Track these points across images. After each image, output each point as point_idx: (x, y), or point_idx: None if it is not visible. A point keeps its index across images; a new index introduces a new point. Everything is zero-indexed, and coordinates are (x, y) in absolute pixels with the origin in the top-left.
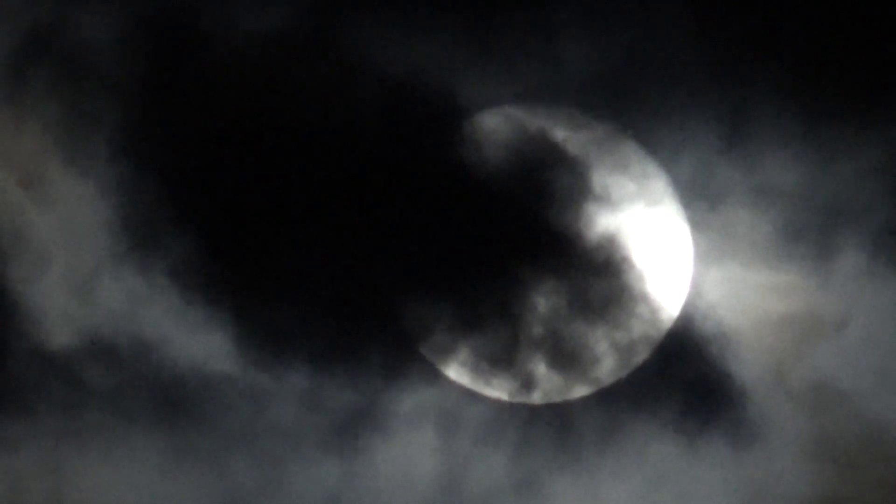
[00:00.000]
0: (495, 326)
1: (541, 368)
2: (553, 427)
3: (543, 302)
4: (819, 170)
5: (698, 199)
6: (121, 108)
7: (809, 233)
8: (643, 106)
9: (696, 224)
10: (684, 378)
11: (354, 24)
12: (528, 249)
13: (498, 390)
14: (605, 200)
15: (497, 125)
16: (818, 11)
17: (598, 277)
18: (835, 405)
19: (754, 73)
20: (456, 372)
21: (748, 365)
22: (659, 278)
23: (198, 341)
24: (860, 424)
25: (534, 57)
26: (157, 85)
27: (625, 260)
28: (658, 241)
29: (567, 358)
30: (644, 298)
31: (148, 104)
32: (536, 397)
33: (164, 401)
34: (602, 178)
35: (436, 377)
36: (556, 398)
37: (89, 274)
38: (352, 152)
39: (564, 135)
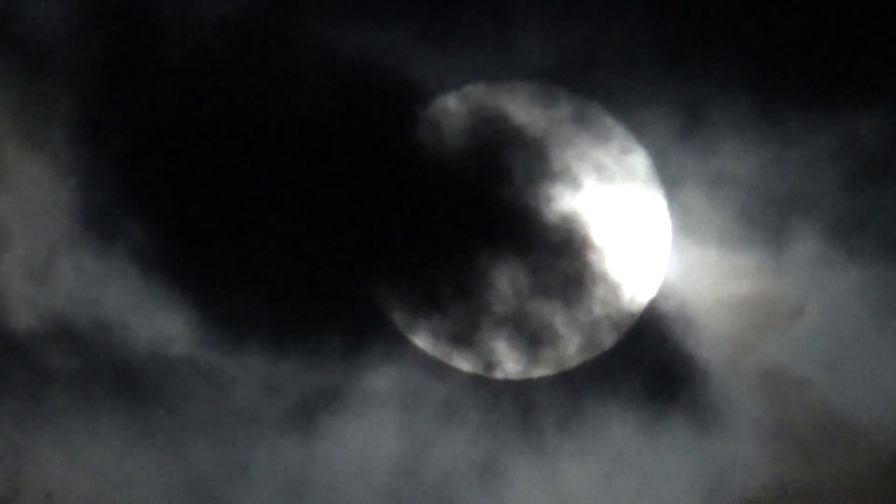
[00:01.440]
0: (457, 305)
1: (503, 347)
2: (514, 408)
3: (504, 281)
4: (774, 158)
5: (656, 185)
6: (78, 92)
7: (765, 220)
8: (600, 93)
9: (657, 210)
10: (645, 360)
11: (311, 11)
12: (485, 228)
13: (459, 370)
14: (563, 181)
15: (456, 107)
16: (772, 2)
17: (558, 257)
18: (792, 391)
19: (710, 63)
20: (416, 352)
21: (707, 349)
22: (622, 262)
23: (157, 324)
24: (817, 410)
25: (490, 43)
26: (115, 70)
27: (585, 240)
28: (618, 225)
29: (530, 338)
30: (607, 281)
31: (106, 89)
32: (498, 376)
33: (125, 384)
34: (562, 158)
35: (396, 358)
36: (518, 378)
37: (48, 257)
38: (310, 136)
39: (524, 117)
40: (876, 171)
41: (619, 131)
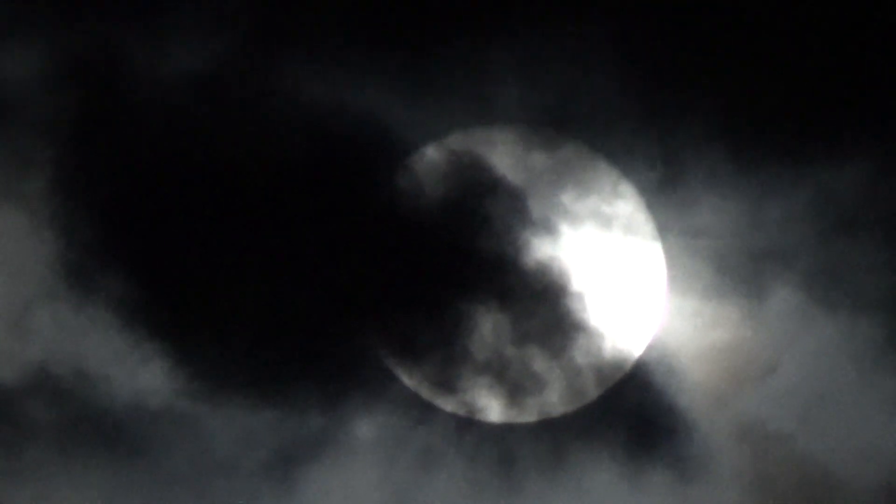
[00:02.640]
0: (439, 353)
1: (486, 394)
2: (496, 455)
3: (488, 330)
4: (750, 212)
5: (638, 236)
6: (54, 145)
7: (742, 272)
8: (578, 146)
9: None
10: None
11: (290, 61)
12: (466, 277)
13: (440, 418)
14: (543, 229)
15: (437, 157)
16: (745, 60)
17: (541, 306)
18: (772, 443)
19: (686, 118)
20: (397, 401)
21: (688, 400)
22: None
23: (137, 376)
24: (797, 462)
25: (468, 98)
26: (90, 122)
27: (569, 291)
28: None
29: (515, 386)
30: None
31: (81, 141)
32: (482, 422)
33: (104, 435)
34: (542, 208)
35: (377, 406)
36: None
37: (26, 310)
38: (289, 187)
39: (505, 166)
40: (851, 225)
41: (595, 186)
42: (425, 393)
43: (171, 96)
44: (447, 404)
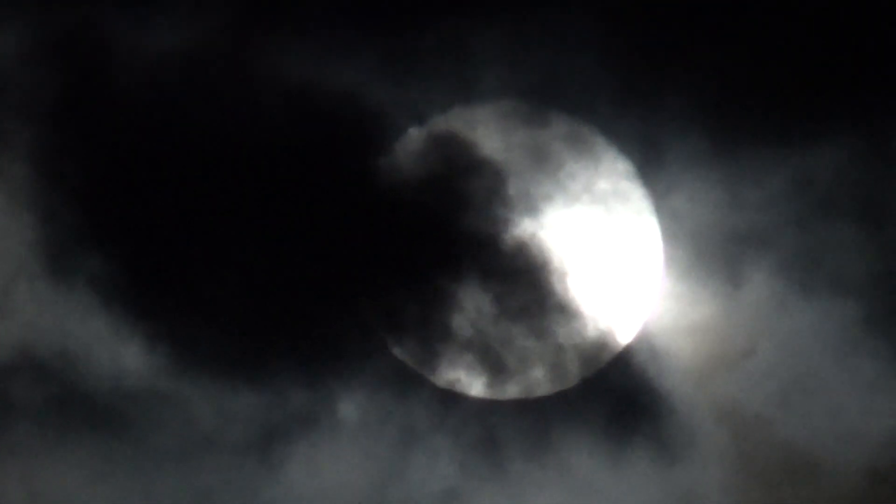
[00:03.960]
0: (422, 330)
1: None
2: (481, 434)
3: (474, 308)
4: (728, 196)
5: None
6: (34, 126)
7: (720, 255)
8: (558, 130)
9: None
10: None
11: (271, 44)
12: (443, 256)
13: (425, 395)
14: (527, 208)
15: (423, 137)
16: (725, 45)
17: (526, 286)
18: (752, 423)
19: (665, 101)
20: (381, 378)
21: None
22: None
23: (119, 355)
24: (778, 443)
25: (451, 78)
26: (70, 103)
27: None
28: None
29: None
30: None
31: (62, 122)
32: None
33: (87, 414)
34: (522, 186)
35: (360, 383)
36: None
37: (7, 290)
38: (270, 167)
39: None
40: (829, 208)
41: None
42: (409, 371)
43: (153, 76)
44: (431, 382)
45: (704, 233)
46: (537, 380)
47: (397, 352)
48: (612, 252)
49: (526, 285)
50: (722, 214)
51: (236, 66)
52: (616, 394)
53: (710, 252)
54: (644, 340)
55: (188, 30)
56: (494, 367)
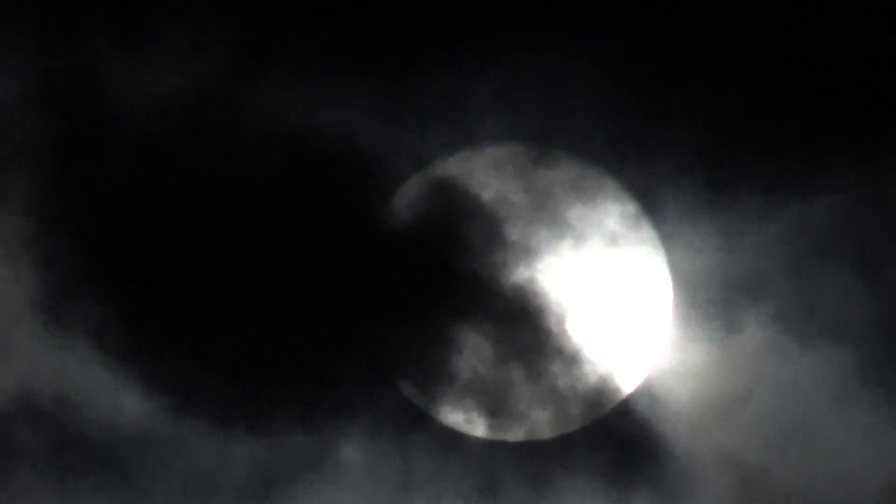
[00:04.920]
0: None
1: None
2: (482, 477)
3: (476, 352)
4: (724, 243)
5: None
6: (32, 170)
7: (716, 304)
8: (554, 178)
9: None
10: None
11: (271, 87)
12: (443, 299)
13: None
14: (526, 252)
15: (420, 180)
16: (722, 93)
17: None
18: (747, 473)
19: (661, 150)
20: (378, 420)
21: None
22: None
23: (117, 401)
24: (776, 493)
25: (447, 124)
26: (68, 147)
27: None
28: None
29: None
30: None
31: (59, 166)
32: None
33: (85, 460)
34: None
35: (357, 426)
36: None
37: (4, 337)
38: (270, 211)
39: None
40: (825, 255)
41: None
42: (410, 414)
43: (151, 121)
44: (432, 425)
45: (702, 280)
46: (540, 425)
47: (398, 394)
48: (615, 298)
49: (527, 330)
50: (719, 262)
51: (234, 109)
52: (617, 438)
53: (708, 299)
54: (645, 387)
55: (185, 73)
56: (495, 410)
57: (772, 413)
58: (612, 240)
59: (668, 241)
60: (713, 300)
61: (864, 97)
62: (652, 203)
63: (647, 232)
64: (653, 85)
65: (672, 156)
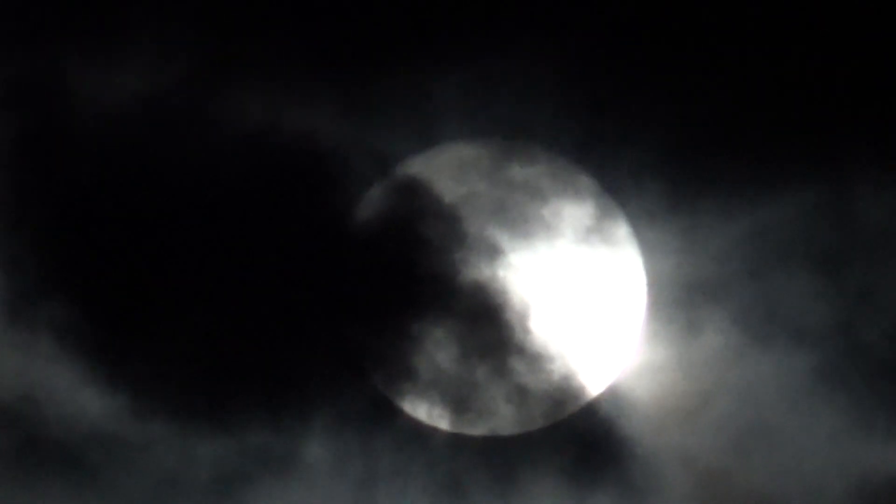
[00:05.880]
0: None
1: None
2: (446, 473)
3: (437, 347)
4: (684, 246)
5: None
6: None
7: (676, 306)
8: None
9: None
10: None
11: (233, 91)
12: (409, 296)
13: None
14: (486, 250)
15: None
16: (683, 95)
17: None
18: (709, 475)
19: (622, 152)
20: (343, 416)
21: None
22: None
23: (79, 400)
24: (740, 492)
25: (410, 123)
26: (32, 149)
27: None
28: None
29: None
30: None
31: (22, 168)
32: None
33: (47, 459)
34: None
35: (321, 425)
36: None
37: None
38: (233, 212)
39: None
40: (785, 259)
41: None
42: (373, 411)
43: (114, 122)
44: (396, 421)
45: (663, 282)
46: (503, 421)
47: (362, 391)
48: (578, 299)
49: (492, 328)
50: (680, 264)
51: (197, 112)
52: (580, 436)
53: (669, 301)
54: (608, 387)
55: (149, 75)
56: (460, 407)
57: (733, 415)
58: (575, 240)
59: (629, 243)
60: (674, 302)
61: (825, 102)
62: (613, 205)
63: (609, 233)
64: (615, 88)
65: (634, 158)
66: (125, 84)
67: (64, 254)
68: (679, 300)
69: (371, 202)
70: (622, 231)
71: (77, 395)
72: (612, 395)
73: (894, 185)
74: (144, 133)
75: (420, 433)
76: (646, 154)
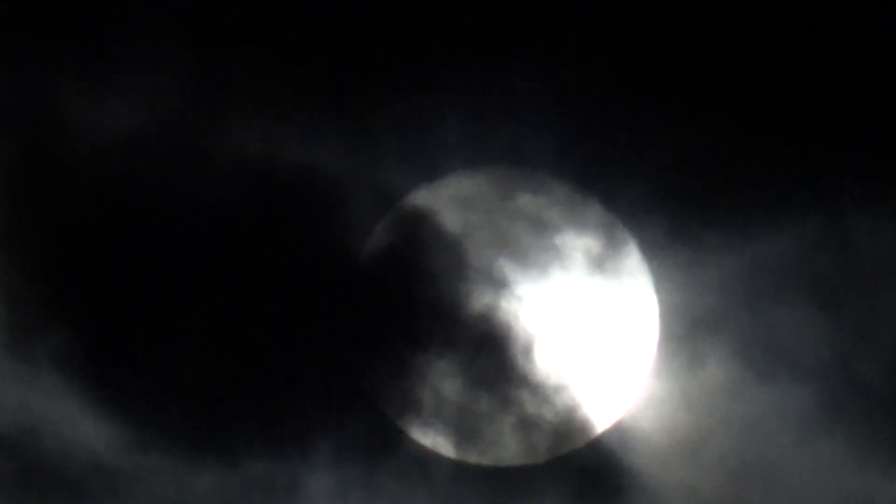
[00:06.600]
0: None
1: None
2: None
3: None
4: (686, 280)
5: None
6: None
7: (678, 340)
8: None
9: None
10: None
11: (233, 122)
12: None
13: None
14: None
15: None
16: (684, 129)
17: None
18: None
19: (623, 186)
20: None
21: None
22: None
23: (81, 430)
24: None
25: (412, 154)
26: (29, 179)
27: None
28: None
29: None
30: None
31: (19, 198)
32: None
33: (47, 490)
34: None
35: (321, 456)
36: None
37: None
38: (232, 243)
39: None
40: (786, 293)
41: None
42: (374, 441)
43: (111, 154)
44: (397, 453)
45: (664, 316)
46: (508, 452)
47: (365, 421)
48: (583, 332)
49: (496, 359)
50: (681, 298)
51: (195, 143)
52: (583, 468)
53: (670, 335)
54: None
55: (146, 106)
56: (464, 437)
57: (734, 448)
58: (584, 271)
59: (631, 277)
60: (678, 334)
61: (825, 137)
62: (614, 239)
63: (619, 264)
64: (615, 122)
65: (634, 192)
66: (121, 115)
67: (63, 285)
68: (682, 333)
69: (376, 234)
70: (632, 261)
71: (77, 426)
72: (618, 427)
73: (892, 219)
74: (142, 165)
75: (423, 463)
76: (645, 188)
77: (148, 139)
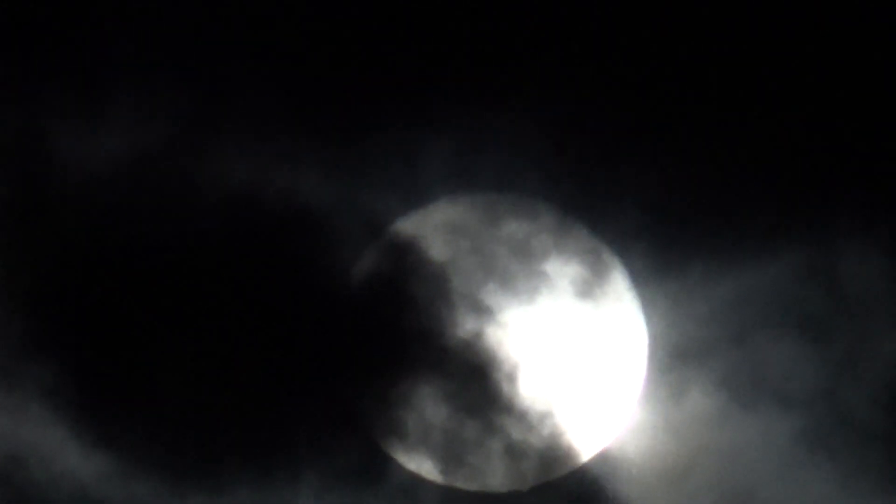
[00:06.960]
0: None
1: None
2: None
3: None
4: (671, 310)
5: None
6: None
7: (663, 370)
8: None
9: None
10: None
11: (220, 152)
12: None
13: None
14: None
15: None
16: (669, 157)
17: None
18: None
19: (611, 216)
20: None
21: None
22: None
23: (69, 460)
24: None
25: (397, 183)
26: (18, 211)
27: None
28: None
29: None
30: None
31: (7, 230)
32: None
33: None
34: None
35: (308, 482)
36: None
37: None
38: (219, 273)
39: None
40: (771, 323)
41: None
42: (362, 467)
43: (98, 185)
44: (386, 478)
45: (649, 345)
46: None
47: (352, 449)
48: (578, 357)
49: (481, 386)
50: (666, 326)
51: (182, 173)
52: (571, 496)
53: (655, 364)
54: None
55: (134, 137)
56: (449, 463)
57: (719, 477)
58: (565, 301)
59: (618, 304)
60: (663, 364)
61: (813, 168)
62: (602, 266)
63: (606, 290)
64: (603, 149)
65: (621, 222)
66: (108, 146)
67: (51, 316)
68: (669, 362)
69: (362, 262)
70: (619, 289)
71: (65, 456)
72: (604, 455)
73: (879, 251)
74: (129, 195)
75: (410, 489)
76: (632, 219)
77: (136, 171)
